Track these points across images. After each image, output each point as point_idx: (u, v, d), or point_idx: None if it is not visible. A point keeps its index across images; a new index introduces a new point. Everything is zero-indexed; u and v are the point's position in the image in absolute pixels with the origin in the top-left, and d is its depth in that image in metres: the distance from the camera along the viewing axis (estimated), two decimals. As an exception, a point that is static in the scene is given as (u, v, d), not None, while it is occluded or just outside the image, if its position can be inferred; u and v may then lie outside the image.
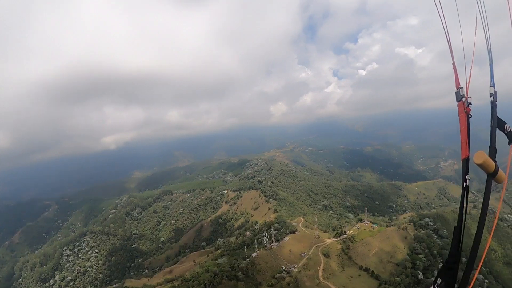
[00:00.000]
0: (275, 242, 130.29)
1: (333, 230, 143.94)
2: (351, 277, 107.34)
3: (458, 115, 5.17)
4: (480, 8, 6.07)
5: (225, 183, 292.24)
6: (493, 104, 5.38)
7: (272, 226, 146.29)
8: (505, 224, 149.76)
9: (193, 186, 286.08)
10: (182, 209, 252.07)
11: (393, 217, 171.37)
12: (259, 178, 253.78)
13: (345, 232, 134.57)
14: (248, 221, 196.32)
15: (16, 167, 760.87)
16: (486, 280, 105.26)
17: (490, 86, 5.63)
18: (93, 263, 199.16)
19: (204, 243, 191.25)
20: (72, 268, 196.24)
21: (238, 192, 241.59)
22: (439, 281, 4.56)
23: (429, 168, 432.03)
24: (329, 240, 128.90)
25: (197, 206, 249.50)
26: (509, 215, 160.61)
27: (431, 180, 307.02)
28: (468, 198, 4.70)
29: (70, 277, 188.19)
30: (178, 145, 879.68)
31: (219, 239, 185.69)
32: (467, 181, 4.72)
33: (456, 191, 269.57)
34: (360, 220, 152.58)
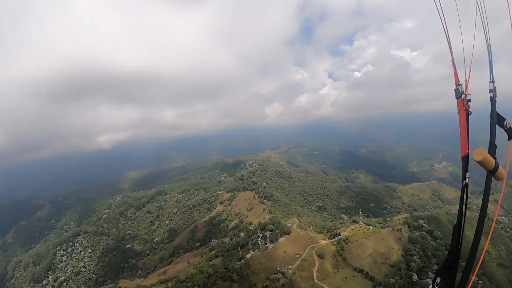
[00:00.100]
0: (270, 243, 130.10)
1: (328, 232, 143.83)
2: (346, 278, 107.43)
3: (458, 112, 5.03)
4: (480, 7, 5.99)
5: (220, 183, 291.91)
6: (493, 100, 5.20)
7: (266, 227, 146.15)
8: (499, 226, 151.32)
9: (188, 187, 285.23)
10: (176, 209, 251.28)
11: (388, 219, 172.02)
12: (253, 179, 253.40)
13: (339, 233, 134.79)
14: (243, 222, 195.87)
15: (9, 166, 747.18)
16: (480, 282, 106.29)
17: (490, 82, 5.46)
18: (86, 263, 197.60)
19: (198, 244, 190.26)
20: (66, 268, 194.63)
21: (233, 193, 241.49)
22: (438, 279, 4.49)
23: (423, 170, 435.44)
24: (323, 242, 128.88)
25: (191, 206, 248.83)
26: (503, 217, 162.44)
27: (425, 182, 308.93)
28: (468, 196, 4.59)
29: (63, 278, 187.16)
30: (173, 145, 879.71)
31: (213, 240, 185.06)
32: (467, 179, 4.61)
33: (450, 193, 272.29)
34: (355, 222, 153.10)
